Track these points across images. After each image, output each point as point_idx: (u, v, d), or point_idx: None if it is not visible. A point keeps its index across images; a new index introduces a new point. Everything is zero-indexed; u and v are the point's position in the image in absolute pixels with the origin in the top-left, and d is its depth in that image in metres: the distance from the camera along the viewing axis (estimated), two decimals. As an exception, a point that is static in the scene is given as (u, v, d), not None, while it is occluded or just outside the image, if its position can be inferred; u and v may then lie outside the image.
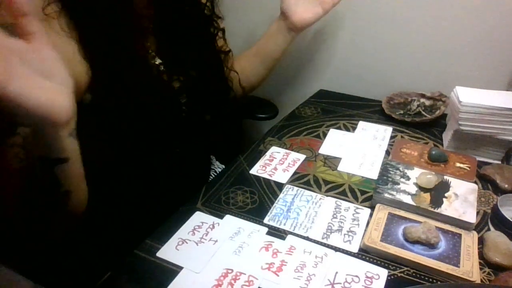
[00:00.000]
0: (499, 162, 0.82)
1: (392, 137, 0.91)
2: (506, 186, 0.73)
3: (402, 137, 0.92)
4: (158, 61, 0.72)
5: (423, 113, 0.98)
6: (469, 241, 0.61)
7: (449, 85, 0.90)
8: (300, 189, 0.73)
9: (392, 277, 0.56)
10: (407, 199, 0.67)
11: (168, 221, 0.65)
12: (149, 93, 0.66)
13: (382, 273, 0.56)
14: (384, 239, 0.60)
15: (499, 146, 0.81)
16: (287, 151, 0.85)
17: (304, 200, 0.70)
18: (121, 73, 0.62)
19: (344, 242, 0.61)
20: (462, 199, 0.67)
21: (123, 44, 0.63)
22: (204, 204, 0.69)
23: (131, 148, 0.66)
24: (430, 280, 0.56)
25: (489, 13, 0.93)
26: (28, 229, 0.55)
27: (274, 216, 0.66)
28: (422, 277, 0.56)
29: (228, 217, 0.66)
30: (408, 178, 0.73)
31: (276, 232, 0.63)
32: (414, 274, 0.57)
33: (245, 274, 0.55)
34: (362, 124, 0.96)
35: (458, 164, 0.78)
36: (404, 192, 0.69)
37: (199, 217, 0.66)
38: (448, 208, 0.65)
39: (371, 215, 0.66)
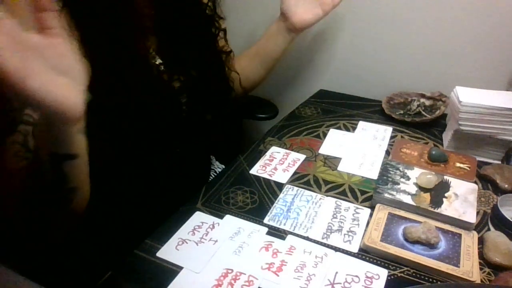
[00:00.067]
0: (499, 162, 0.82)
1: (392, 137, 0.91)
2: (506, 186, 0.73)
3: (402, 137, 0.92)
4: (158, 61, 0.72)
5: (423, 113, 0.98)
6: (469, 241, 0.61)
7: (449, 85, 0.90)
8: (300, 189, 0.73)
9: (392, 277, 0.56)
10: (407, 199, 0.67)
11: (168, 221, 0.65)
12: (150, 92, 0.66)
13: (382, 273, 0.56)
14: (384, 239, 0.60)
15: (499, 146, 0.81)
16: (287, 151, 0.85)
17: (304, 200, 0.70)
18: (121, 72, 0.62)
19: (344, 242, 0.61)
20: (462, 199, 0.67)
21: (123, 44, 0.63)
22: (204, 204, 0.69)
23: (131, 148, 0.66)
24: (430, 280, 0.56)
25: (489, 13, 0.93)
26: (28, 229, 0.55)
27: (274, 216, 0.66)
28: (422, 277, 0.56)
29: (228, 217, 0.66)
30: (408, 178, 0.73)
31: (276, 232, 0.63)
32: (414, 274, 0.57)
33: (245, 274, 0.55)
34: (362, 124, 0.96)
35: (458, 164, 0.78)
36: (404, 192, 0.69)
37: (199, 217, 0.66)
38: (448, 208, 0.65)
39: (371, 215, 0.66)
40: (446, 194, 0.68)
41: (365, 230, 0.63)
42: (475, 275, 0.55)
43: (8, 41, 0.35)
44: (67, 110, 0.40)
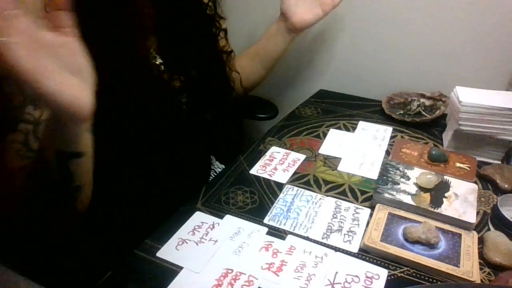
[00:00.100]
0: (499, 162, 0.82)
1: (392, 137, 0.91)
2: (506, 186, 0.73)
3: (402, 137, 0.92)
4: (159, 61, 0.72)
5: (423, 113, 0.98)
6: (469, 241, 0.61)
7: (449, 85, 0.90)
8: (300, 189, 0.73)
9: (392, 277, 0.56)
10: (407, 199, 0.67)
11: (168, 221, 0.65)
12: (150, 92, 0.66)
13: (382, 273, 0.56)
14: (384, 239, 0.60)
15: (499, 146, 0.81)
16: (287, 151, 0.85)
17: (304, 200, 0.70)
18: (121, 72, 0.62)
19: (344, 242, 0.61)
20: (462, 199, 0.67)
21: (124, 43, 0.63)
22: (204, 204, 0.69)
23: (131, 148, 0.66)
24: (430, 280, 0.56)
25: (489, 13, 0.93)
26: (28, 229, 0.55)
27: (274, 216, 0.66)
28: (422, 277, 0.56)
29: (228, 217, 0.66)
30: (408, 178, 0.73)
31: (276, 232, 0.63)
32: (414, 274, 0.57)
33: (245, 274, 0.55)
34: (362, 124, 0.96)
35: (458, 164, 0.78)
36: (404, 192, 0.69)
37: (199, 217, 0.66)
38: (448, 208, 0.65)
39: (371, 215, 0.66)
40: (446, 194, 0.68)
41: (365, 230, 0.63)
42: (475, 275, 0.55)
43: (23, 39, 0.35)
44: (78, 109, 0.40)
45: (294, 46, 1.00)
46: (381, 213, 0.66)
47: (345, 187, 0.74)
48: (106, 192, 0.68)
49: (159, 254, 0.59)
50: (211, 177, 0.93)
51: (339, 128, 0.95)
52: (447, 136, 0.88)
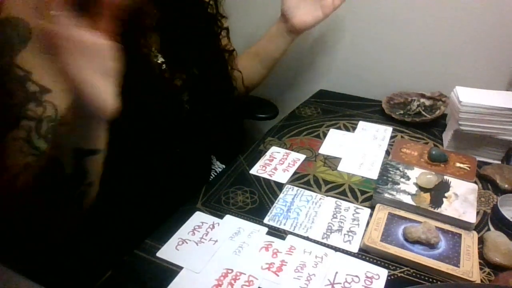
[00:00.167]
0: (499, 162, 0.82)
1: (392, 137, 0.91)
2: (506, 186, 0.73)
3: (402, 137, 0.92)
4: (160, 60, 0.71)
5: (423, 113, 0.98)
6: (469, 241, 0.61)
7: (449, 85, 0.90)
8: (300, 189, 0.73)
9: (392, 277, 0.56)
10: (407, 199, 0.67)
11: (168, 221, 0.65)
12: (151, 91, 0.66)
13: (382, 273, 0.56)
14: (384, 239, 0.60)
15: (499, 146, 0.81)
16: (287, 151, 0.85)
17: (304, 200, 0.70)
18: (122, 70, 0.62)
19: (344, 242, 0.61)
20: (462, 199, 0.67)
21: (124, 42, 0.63)
22: (204, 204, 0.69)
23: (131, 148, 0.66)
24: (430, 280, 0.56)
25: (489, 13, 0.93)
26: (28, 229, 0.55)
27: (274, 216, 0.66)
28: (422, 277, 0.56)
29: (228, 217, 0.66)
30: (408, 178, 0.73)
31: (276, 232, 0.63)
32: (414, 274, 0.57)
33: (245, 274, 0.55)
34: (362, 124, 0.96)
35: (458, 164, 0.78)
36: (404, 192, 0.69)
37: (199, 217, 0.66)
38: (448, 208, 0.65)
39: (371, 215, 0.66)
40: (446, 194, 0.68)
41: (365, 230, 0.63)
42: (475, 275, 0.55)
43: (65, 38, 0.37)
44: (105, 110, 0.42)
45: (294, 46, 1.00)
46: (381, 213, 0.66)
47: (345, 187, 0.74)
48: (106, 191, 0.68)
49: (159, 254, 0.59)
50: (212, 177, 0.93)
51: (339, 128, 0.95)
52: (447, 136, 0.88)
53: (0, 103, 0.52)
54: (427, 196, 0.68)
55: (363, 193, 0.73)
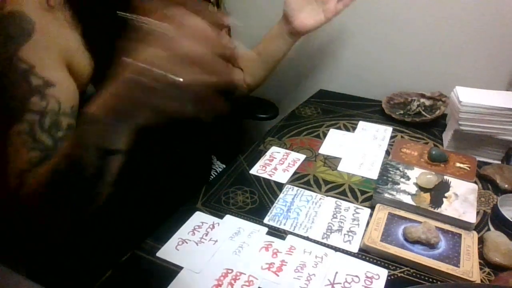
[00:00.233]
0: (499, 162, 0.82)
1: (392, 137, 0.91)
2: (506, 186, 0.73)
3: (402, 137, 0.92)
4: None
5: (423, 113, 0.98)
6: (469, 241, 0.61)
7: (449, 85, 0.90)
8: (300, 189, 0.73)
9: (392, 277, 0.56)
10: (407, 199, 0.67)
11: (168, 221, 0.65)
12: None
13: (382, 273, 0.56)
14: (384, 239, 0.60)
15: (499, 146, 0.81)
16: (287, 151, 0.85)
17: (304, 200, 0.70)
18: None
19: (344, 242, 0.61)
20: (462, 199, 0.67)
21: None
22: (204, 204, 0.69)
23: (131, 147, 0.66)
24: (430, 280, 0.56)
25: (489, 13, 0.93)
26: (28, 229, 0.55)
27: (274, 216, 0.66)
28: (422, 277, 0.56)
29: (228, 217, 0.66)
30: (408, 178, 0.73)
31: (276, 232, 0.63)
32: (414, 274, 0.57)
33: (245, 274, 0.55)
34: (362, 124, 0.96)
35: (458, 164, 0.78)
36: (404, 192, 0.69)
37: (199, 217, 0.66)
38: (448, 208, 0.65)
39: (371, 215, 0.66)
40: (446, 194, 0.68)
41: (365, 230, 0.63)
42: (475, 275, 0.55)
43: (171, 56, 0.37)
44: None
45: (294, 46, 1.00)
46: (381, 213, 0.66)
47: (345, 187, 0.74)
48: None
49: (159, 254, 0.59)
50: (212, 177, 0.93)
51: (339, 128, 0.95)
52: (447, 136, 0.88)
53: (4, 96, 0.51)
54: (427, 196, 0.68)
55: (363, 193, 0.73)
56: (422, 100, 1.00)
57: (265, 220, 0.66)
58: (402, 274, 0.57)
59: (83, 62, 0.58)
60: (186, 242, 0.61)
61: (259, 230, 0.63)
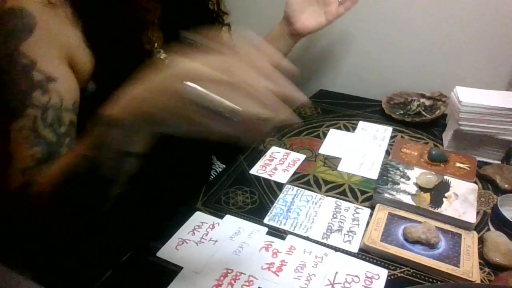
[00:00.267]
0: (499, 162, 0.82)
1: (392, 137, 0.91)
2: (506, 186, 0.73)
3: (402, 137, 0.92)
4: (163, 55, 0.72)
5: (423, 113, 0.98)
6: (469, 241, 0.61)
7: (449, 85, 0.90)
8: (300, 189, 0.73)
9: (392, 277, 0.56)
10: (407, 199, 0.67)
11: (168, 221, 0.65)
12: None
13: (382, 273, 0.56)
14: (384, 239, 0.60)
15: (499, 146, 0.81)
16: (287, 151, 0.85)
17: (304, 200, 0.70)
18: (124, 66, 0.62)
19: (344, 242, 0.61)
20: (462, 199, 0.67)
21: (126, 38, 0.63)
22: (204, 204, 0.69)
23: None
24: (430, 280, 0.56)
25: (489, 13, 0.93)
26: (28, 229, 0.55)
27: (274, 216, 0.66)
28: (422, 277, 0.56)
29: (228, 217, 0.66)
30: (408, 178, 0.73)
31: (276, 232, 0.63)
32: (414, 274, 0.57)
33: (245, 274, 0.55)
34: (362, 124, 0.96)
35: (458, 164, 0.78)
36: (404, 192, 0.69)
37: (199, 217, 0.66)
38: (448, 208, 0.65)
39: (371, 215, 0.66)
40: (446, 194, 0.68)
41: (365, 230, 0.63)
42: (475, 275, 0.55)
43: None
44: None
45: (294, 46, 1.00)
46: (381, 213, 0.66)
47: (345, 187, 0.74)
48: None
49: (159, 254, 0.59)
50: (212, 177, 0.93)
51: (339, 128, 0.95)
52: (447, 136, 0.88)
53: (5, 92, 0.51)
54: (427, 196, 0.68)
55: (363, 193, 0.73)
56: (422, 100, 1.00)
57: (265, 220, 0.66)
58: (402, 274, 0.57)
59: (84, 59, 0.58)
60: (186, 242, 0.61)
61: (259, 230, 0.63)
